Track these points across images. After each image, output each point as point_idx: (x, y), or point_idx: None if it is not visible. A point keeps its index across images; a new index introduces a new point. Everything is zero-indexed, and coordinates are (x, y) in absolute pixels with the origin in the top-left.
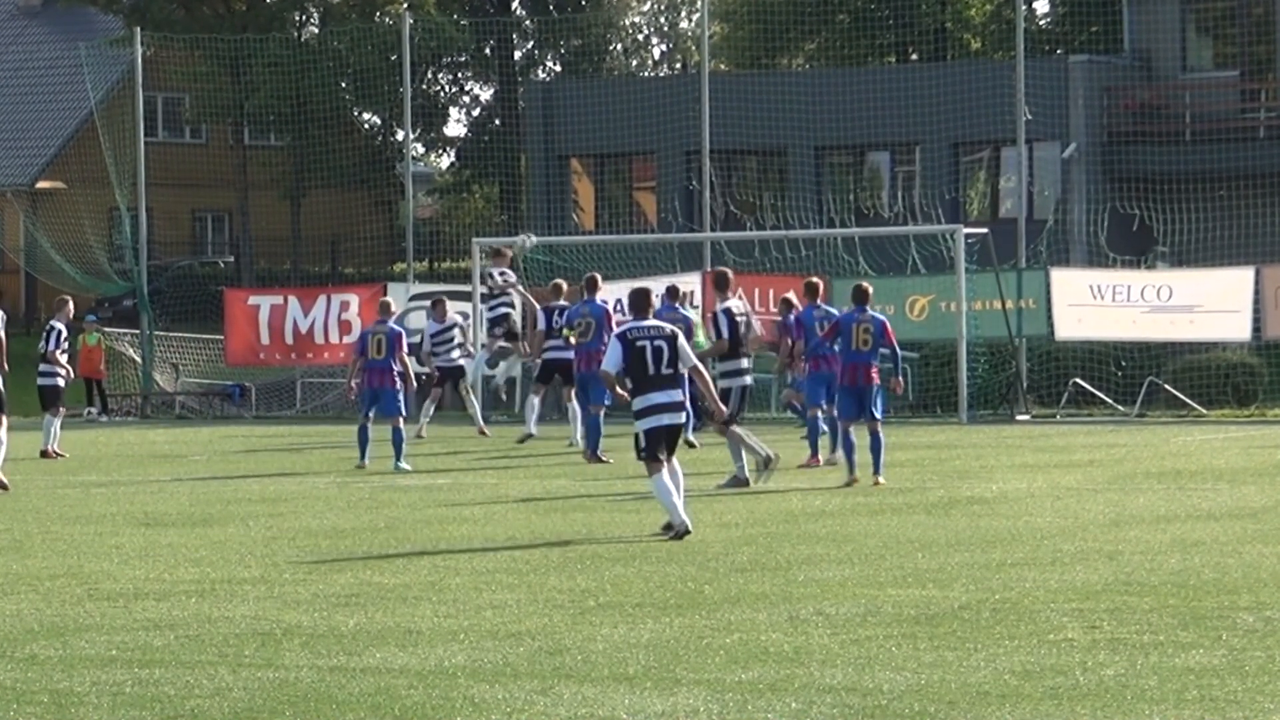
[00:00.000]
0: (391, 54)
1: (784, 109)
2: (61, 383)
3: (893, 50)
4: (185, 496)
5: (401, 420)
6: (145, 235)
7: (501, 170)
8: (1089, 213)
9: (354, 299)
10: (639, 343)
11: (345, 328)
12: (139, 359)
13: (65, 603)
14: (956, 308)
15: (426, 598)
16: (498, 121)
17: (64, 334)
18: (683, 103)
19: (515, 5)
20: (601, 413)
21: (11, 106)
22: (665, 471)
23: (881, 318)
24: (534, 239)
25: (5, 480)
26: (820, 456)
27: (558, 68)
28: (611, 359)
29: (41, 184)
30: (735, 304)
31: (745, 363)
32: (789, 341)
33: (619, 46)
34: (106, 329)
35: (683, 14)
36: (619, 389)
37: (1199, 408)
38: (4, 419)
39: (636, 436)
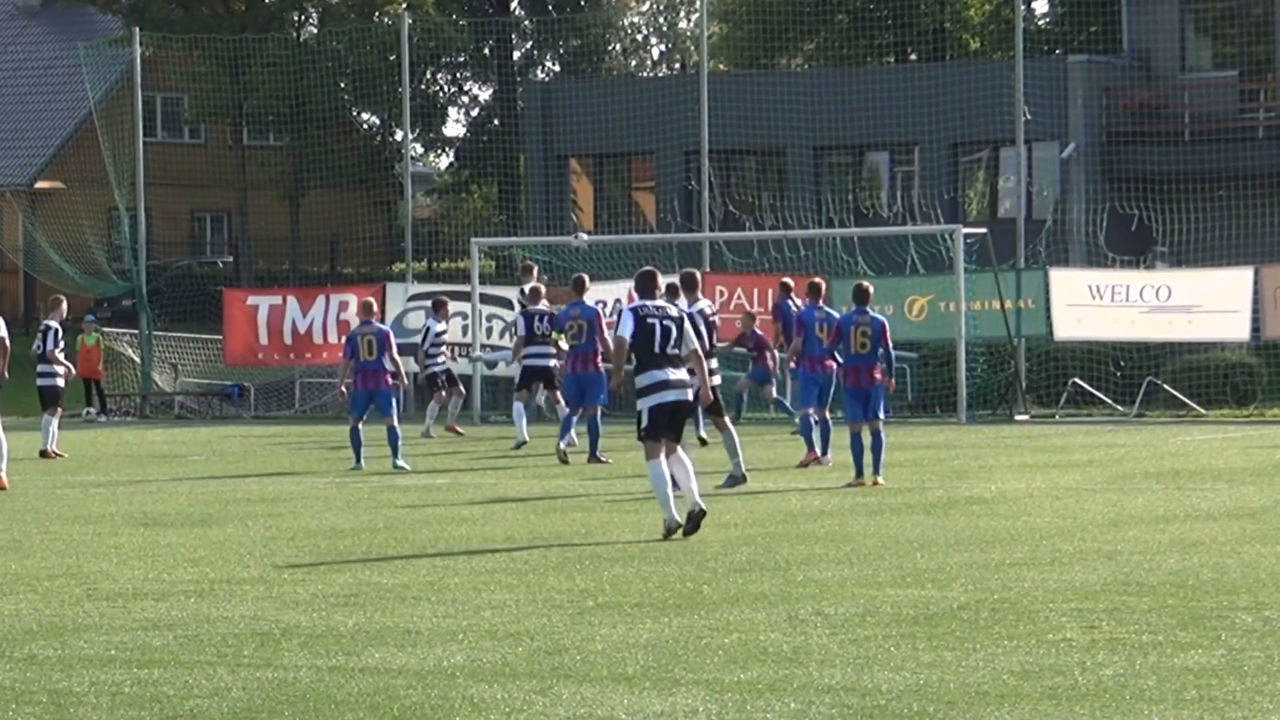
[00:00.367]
0: (390, 54)
1: (783, 109)
2: (61, 382)
3: (892, 50)
4: (184, 497)
5: (396, 419)
6: (144, 235)
7: (500, 170)
8: (1088, 213)
9: (353, 299)
10: (649, 320)
11: (344, 328)
12: (138, 359)
13: (64, 603)
14: (955, 308)
15: (425, 598)
16: (496, 121)
17: (60, 333)
18: (682, 103)
19: (514, 5)
20: (599, 413)
21: (10, 106)
22: (664, 459)
23: (881, 319)
24: (586, 237)
25: (5, 480)
26: (818, 450)
27: (557, 68)
28: (625, 328)
29: (40, 184)
30: (706, 305)
31: (714, 363)
32: (785, 335)
33: (618, 47)
34: (105, 329)
35: (681, 14)
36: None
37: (1198, 408)
38: None
39: (639, 415)
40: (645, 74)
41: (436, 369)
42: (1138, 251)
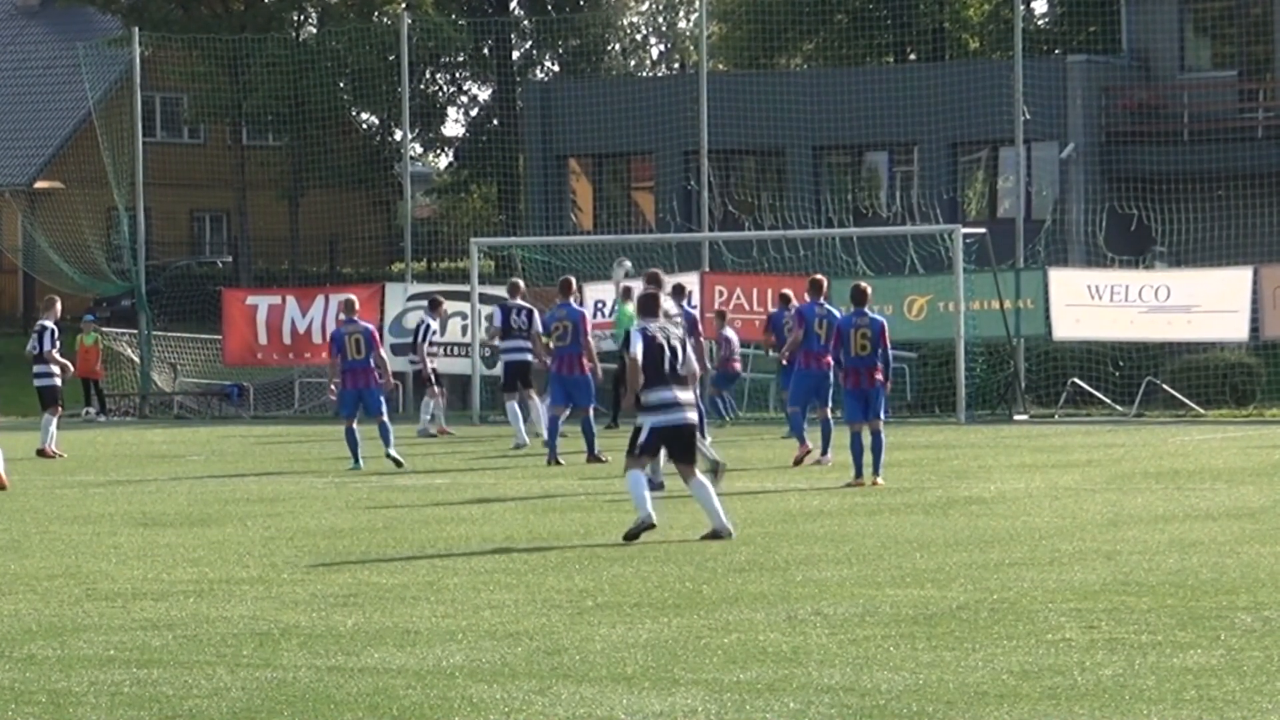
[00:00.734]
0: (390, 54)
1: (782, 109)
2: (59, 381)
3: (891, 50)
4: (183, 496)
5: (386, 415)
6: (143, 235)
7: (500, 170)
8: (1087, 213)
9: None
10: (657, 339)
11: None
12: (137, 359)
13: (63, 603)
14: (955, 308)
15: (424, 598)
16: (496, 121)
17: (57, 332)
18: (681, 103)
19: (513, 5)
20: (590, 413)
21: (9, 106)
22: (643, 471)
23: (880, 320)
24: (629, 264)
25: (5, 480)
26: (819, 450)
27: (556, 68)
28: (635, 348)
29: (40, 184)
30: (672, 306)
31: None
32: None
33: (617, 46)
34: (104, 329)
35: (681, 14)
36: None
37: (1197, 408)
38: None
39: (638, 429)
40: (644, 74)
41: (430, 366)
42: (1137, 251)
